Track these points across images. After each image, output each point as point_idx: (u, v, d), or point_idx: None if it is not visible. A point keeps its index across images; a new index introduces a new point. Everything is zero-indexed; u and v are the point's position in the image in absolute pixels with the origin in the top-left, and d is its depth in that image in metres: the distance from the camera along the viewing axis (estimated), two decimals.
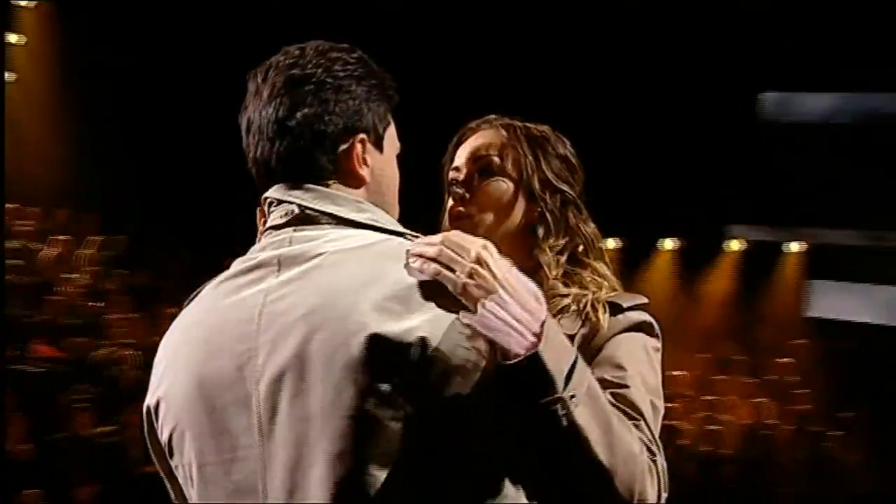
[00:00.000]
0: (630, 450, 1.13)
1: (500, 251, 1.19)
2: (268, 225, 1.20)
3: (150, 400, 1.24)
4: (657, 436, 1.25)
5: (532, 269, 1.35)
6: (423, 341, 1.03)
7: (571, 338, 1.28)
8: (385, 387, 1.03)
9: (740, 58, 9.14)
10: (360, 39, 1.23)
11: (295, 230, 1.17)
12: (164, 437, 1.21)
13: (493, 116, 1.47)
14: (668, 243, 11.00)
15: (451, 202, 1.44)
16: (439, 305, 1.05)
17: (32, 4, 10.65)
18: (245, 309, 1.13)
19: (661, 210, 9.71)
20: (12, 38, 10.67)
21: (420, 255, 1.06)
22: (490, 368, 1.05)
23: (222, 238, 9.98)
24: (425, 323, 1.04)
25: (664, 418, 1.33)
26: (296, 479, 1.06)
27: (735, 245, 10.99)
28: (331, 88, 1.18)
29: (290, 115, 1.17)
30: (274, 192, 1.20)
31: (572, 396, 1.06)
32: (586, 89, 9.22)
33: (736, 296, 10.71)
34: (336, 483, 1.04)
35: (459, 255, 1.05)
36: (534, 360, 1.04)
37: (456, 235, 1.09)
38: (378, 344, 1.03)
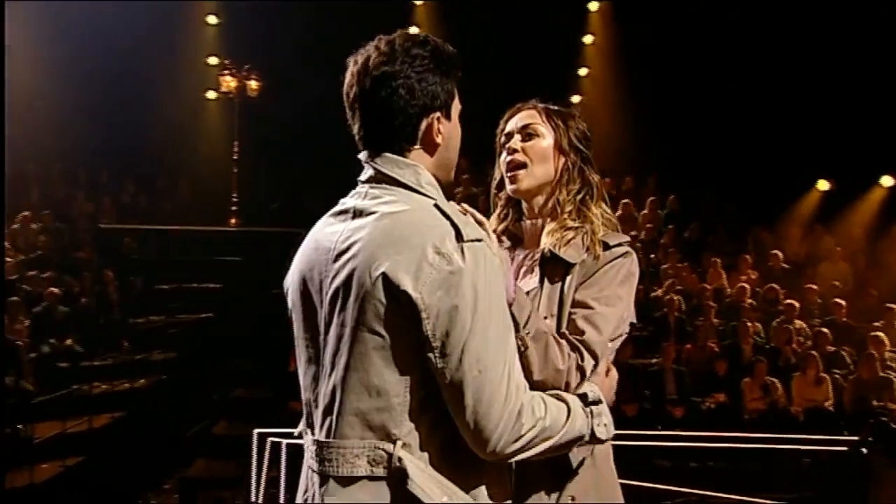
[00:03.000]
0: (556, 366, 1.63)
1: (537, 192, 1.88)
2: (359, 179, 1.63)
3: (285, 282, 1.68)
4: (606, 337, 1.71)
5: (553, 207, 1.87)
6: (415, 285, 1.43)
7: (571, 265, 1.76)
8: (382, 310, 1.45)
9: None
10: None
11: (371, 187, 1.58)
12: (289, 309, 1.67)
13: (533, 99, 1.95)
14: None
15: (505, 156, 1.90)
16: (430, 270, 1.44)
17: (596, 7, 12.32)
18: (330, 240, 1.56)
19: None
20: (587, 39, 12.50)
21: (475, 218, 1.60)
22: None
23: (766, 191, 10.00)
24: (417, 278, 1.43)
25: None
26: (334, 363, 1.52)
27: None
28: (415, 80, 1.55)
29: (388, 101, 1.55)
30: (363, 155, 1.62)
31: (528, 334, 1.61)
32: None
33: None
34: (357, 368, 1.48)
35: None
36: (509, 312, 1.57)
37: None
38: (384, 281, 1.44)
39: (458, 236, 1.47)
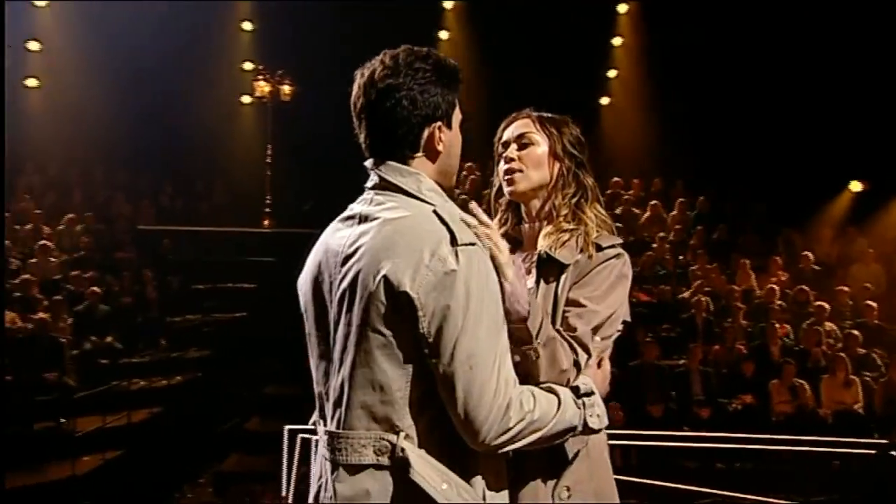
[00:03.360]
0: (561, 367, 1.71)
1: (533, 196, 1.94)
2: (365, 185, 1.71)
3: (298, 283, 1.76)
4: (599, 333, 1.78)
5: (549, 210, 1.94)
6: (413, 286, 1.52)
7: (565, 266, 1.84)
8: (384, 310, 1.53)
9: None
10: None
11: (376, 193, 1.67)
12: (302, 308, 1.75)
13: (527, 109, 2.02)
14: None
15: (503, 164, 1.97)
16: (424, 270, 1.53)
17: (625, 9, 12.30)
18: (338, 244, 1.65)
19: None
20: (616, 40, 12.46)
21: (488, 237, 1.65)
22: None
23: (796, 192, 9.88)
24: (414, 279, 1.52)
25: None
26: (342, 359, 1.61)
27: None
28: (417, 92, 1.64)
29: (392, 112, 1.64)
30: (369, 163, 1.71)
31: (539, 343, 1.68)
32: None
33: None
34: (362, 364, 1.57)
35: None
36: (524, 326, 1.68)
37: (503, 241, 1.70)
38: (385, 283, 1.53)
39: (454, 240, 1.54)
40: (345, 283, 1.60)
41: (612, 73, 12.62)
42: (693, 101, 11.12)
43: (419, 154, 1.68)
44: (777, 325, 8.49)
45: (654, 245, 10.72)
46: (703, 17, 10.92)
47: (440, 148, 1.69)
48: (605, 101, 12.71)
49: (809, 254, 10.27)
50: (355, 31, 11.05)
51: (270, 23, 12.32)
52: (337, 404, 1.63)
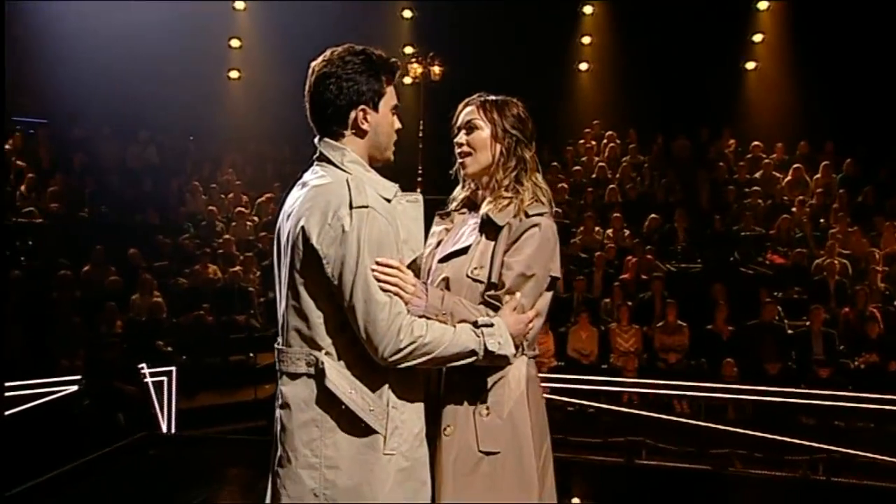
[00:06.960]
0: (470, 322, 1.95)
1: (484, 173, 2.17)
2: (313, 157, 1.99)
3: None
4: (523, 291, 2.01)
5: (494, 183, 2.16)
6: (318, 239, 1.81)
7: (501, 227, 2.07)
8: (302, 256, 1.84)
9: None
10: None
11: (316, 164, 1.97)
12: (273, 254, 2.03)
13: (476, 95, 2.21)
14: None
15: (456, 148, 2.20)
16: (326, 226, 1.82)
17: (766, 6, 11.56)
18: (288, 205, 1.96)
19: None
20: (761, 5, 11.73)
21: (386, 281, 1.85)
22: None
23: None
24: (319, 234, 1.81)
25: None
26: (284, 294, 1.92)
27: None
28: (343, 79, 1.91)
29: (322, 95, 1.92)
30: (316, 139, 1.99)
31: (444, 314, 1.93)
32: None
33: None
34: (292, 297, 1.88)
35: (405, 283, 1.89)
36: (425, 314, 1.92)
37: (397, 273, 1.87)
38: (302, 236, 1.83)
39: (351, 204, 1.82)
40: (285, 236, 1.93)
41: (758, 38, 11.88)
42: (843, 63, 10.27)
43: (349, 132, 1.96)
44: None
45: (794, 209, 10.16)
46: None
47: (365, 127, 1.95)
48: (750, 65, 12.02)
49: None
50: (502, 14, 11.28)
51: (427, 10, 12.85)
52: (282, 328, 1.95)
